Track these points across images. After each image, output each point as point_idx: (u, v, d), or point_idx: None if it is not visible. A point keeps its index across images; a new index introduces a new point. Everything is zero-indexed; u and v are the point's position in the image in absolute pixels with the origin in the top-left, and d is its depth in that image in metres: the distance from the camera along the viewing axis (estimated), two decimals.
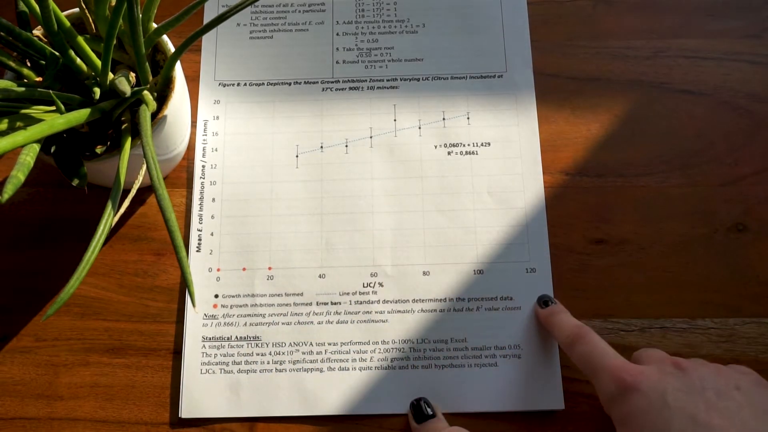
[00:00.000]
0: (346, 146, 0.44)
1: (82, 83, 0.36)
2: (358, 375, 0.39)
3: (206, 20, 0.46)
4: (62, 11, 0.35)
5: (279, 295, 0.41)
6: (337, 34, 0.47)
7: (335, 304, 0.41)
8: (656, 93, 0.45)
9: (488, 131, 0.44)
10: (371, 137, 0.44)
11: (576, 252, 0.42)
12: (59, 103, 0.32)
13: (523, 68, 0.45)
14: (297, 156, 0.44)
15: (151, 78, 0.36)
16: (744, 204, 0.42)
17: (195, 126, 0.44)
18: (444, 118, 0.44)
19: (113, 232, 0.42)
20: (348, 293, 0.41)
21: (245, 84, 0.45)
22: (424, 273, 0.41)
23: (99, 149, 0.36)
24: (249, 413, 0.39)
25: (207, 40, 0.46)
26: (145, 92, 0.34)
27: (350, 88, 0.45)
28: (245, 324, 0.40)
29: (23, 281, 0.41)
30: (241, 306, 0.41)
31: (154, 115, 0.36)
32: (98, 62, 0.35)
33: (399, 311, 0.41)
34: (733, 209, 0.42)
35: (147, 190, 0.43)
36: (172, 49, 0.38)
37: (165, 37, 0.38)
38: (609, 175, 0.43)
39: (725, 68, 0.45)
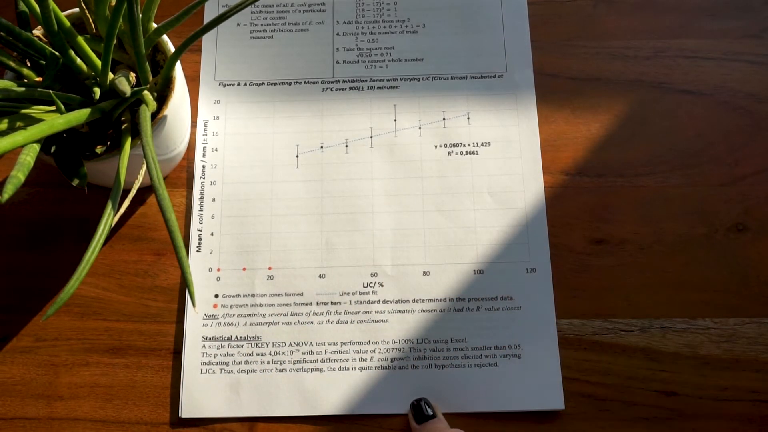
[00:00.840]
0: (346, 146, 0.44)
1: (82, 83, 0.36)
2: (358, 375, 0.39)
3: (206, 20, 0.46)
4: (62, 11, 0.35)
5: (279, 295, 0.41)
6: (338, 34, 0.47)
7: (335, 304, 0.41)
8: (656, 93, 0.45)
9: (488, 131, 0.44)
10: (371, 137, 0.44)
11: (576, 252, 0.42)
12: (59, 103, 0.32)
13: (523, 68, 0.45)
14: (297, 156, 0.44)
15: (151, 78, 0.36)
16: (744, 204, 0.42)
17: (195, 126, 0.44)
18: (444, 118, 0.44)
19: (113, 232, 0.42)
20: (348, 293, 0.41)
21: (245, 84, 0.45)
22: (424, 273, 0.41)
23: (99, 149, 0.36)
24: (249, 413, 0.39)
25: (207, 40, 0.46)
26: (145, 92, 0.34)
27: (350, 88, 0.45)
28: (245, 324, 0.40)
29: (23, 281, 0.41)
30: (241, 306, 0.41)
31: (154, 115, 0.36)
32: (98, 62, 0.35)
33: (399, 311, 0.41)
34: (733, 209, 0.42)
35: (147, 190, 0.43)
36: (172, 49, 0.38)
37: (165, 37, 0.38)
38: (609, 175, 0.43)
39: (725, 68, 0.45)
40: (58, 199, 0.43)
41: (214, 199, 0.43)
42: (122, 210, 0.33)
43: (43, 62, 0.35)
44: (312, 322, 0.40)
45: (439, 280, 0.41)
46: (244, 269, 0.41)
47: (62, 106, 0.32)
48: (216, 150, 0.44)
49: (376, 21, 0.47)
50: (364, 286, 0.41)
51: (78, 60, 0.35)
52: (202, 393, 0.39)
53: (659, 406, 0.39)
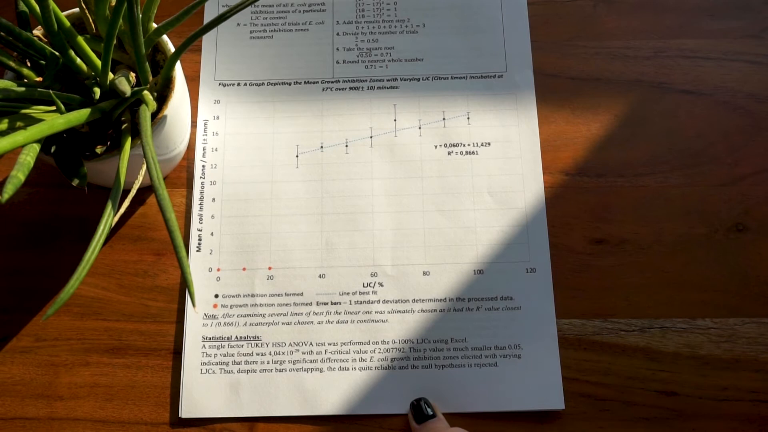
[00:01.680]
0: (346, 146, 0.44)
1: (82, 83, 0.36)
2: (358, 375, 0.39)
3: (206, 20, 0.46)
4: (62, 11, 0.35)
5: (279, 295, 0.41)
6: (337, 34, 0.47)
7: (335, 304, 0.41)
8: (656, 93, 0.45)
9: (488, 131, 0.44)
10: (371, 137, 0.44)
11: (576, 252, 0.42)
12: (59, 103, 0.32)
13: (523, 68, 0.45)
14: (297, 156, 0.44)
15: (151, 78, 0.36)
16: (744, 204, 0.42)
17: (195, 126, 0.44)
18: (444, 118, 0.44)
19: (113, 232, 0.42)
20: (348, 293, 0.41)
21: (245, 84, 0.45)
22: (424, 273, 0.41)
23: (99, 149, 0.36)
24: (249, 413, 0.39)
25: (207, 40, 0.46)
26: (145, 92, 0.34)
27: (350, 88, 0.45)
28: (245, 324, 0.40)
29: (23, 281, 0.41)
30: (241, 306, 0.41)
31: (154, 115, 0.36)
32: (98, 62, 0.35)
33: (399, 311, 0.41)
34: (733, 209, 0.42)
35: (147, 190, 0.43)
36: (172, 49, 0.38)
37: (165, 37, 0.38)
38: (609, 175, 0.43)
39: (725, 68, 0.45)
40: (58, 199, 0.43)
41: (214, 199, 0.43)
42: (122, 210, 0.33)
43: (43, 62, 0.35)
44: (312, 322, 0.40)
45: (439, 280, 0.41)
46: (244, 269, 0.41)
47: (62, 106, 0.32)
48: (216, 150, 0.44)
49: (376, 21, 0.47)
50: (364, 286, 0.41)
51: (78, 60, 0.35)
52: (202, 393, 0.39)
53: (659, 406, 0.39)
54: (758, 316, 0.40)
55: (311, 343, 0.40)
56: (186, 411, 0.39)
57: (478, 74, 0.45)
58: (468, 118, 0.44)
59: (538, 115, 0.44)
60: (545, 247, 0.41)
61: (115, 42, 0.33)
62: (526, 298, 0.41)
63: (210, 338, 0.40)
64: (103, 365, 0.40)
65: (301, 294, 0.41)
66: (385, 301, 0.41)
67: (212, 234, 0.42)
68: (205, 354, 0.40)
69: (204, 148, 0.44)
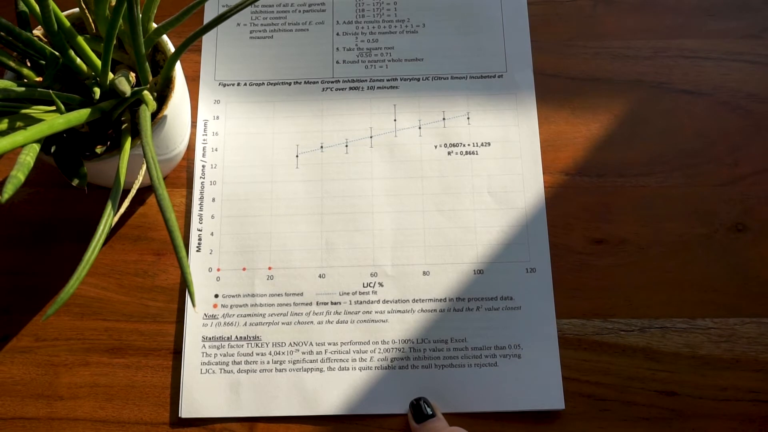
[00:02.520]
0: (346, 146, 0.44)
1: (82, 83, 0.36)
2: (358, 375, 0.39)
3: (206, 20, 0.46)
4: (62, 11, 0.35)
5: (279, 295, 0.41)
6: (337, 34, 0.47)
7: (335, 304, 0.41)
8: (656, 93, 0.45)
9: (488, 131, 0.44)
10: (371, 137, 0.44)
11: (576, 252, 0.42)
12: (59, 103, 0.32)
13: (523, 68, 0.45)
14: (297, 156, 0.44)
15: (151, 78, 0.36)
16: (744, 204, 0.42)
17: (195, 126, 0.44)
18: (444, 118, 0.44)
19: (113, 232, 0.42)
20: (348, 293, 0.41)
21: (245, 84, 0.45)
22: (424, 273, 0.41)
23: (99, 149, 0.36)
24: (249, 413, 0.39)
25: (207, 40, 0.46)
26: (145, 92, 0.34)
27: (350, 88, 0.45)
28: (245, 324, 0.40)
29: (23, 281, 0.41)
30: (241, 306, 0.41)
31: (154, 115, 0.36)
32: (98, 62, 0.35)
33: (399, 311, 0.41)
34: (733, 209, 0.42)
35: (147, 190, 0.43)
36: (172, 49, 0.38)
37: (165, 37, 0.38)
38: (609, 175, 0.43)
39: (725, 68, 0.45)
40: (58, 199, 0.43)
41: (214, 199, 0.43)
42: (122, 210, 0.33)
43: (43, 62, 0.35)
44: (312, 322, 0.40)
45: (438, 280, 0.41)
46: (244, 269, 0.41)
47: (62, 106, 0.32)
48: (216, 150, 0.44)
49: (376, 21, 0.47)
50: (364, 286, 0.41)
51: (78, 60, 0.35)
52: (202, 393, 0.39)
53: (659, 406, 0.39)
54: (758, 316, 0.40)
55: (311, 343, 0.40)
56: (186, 411, 0.39)
57: (478, 74, 0.45)
58: (468, 118, 0.44)
59: (538, 115, 0.44)
60: (545, 247, 0.41)
61: (115, 42, 0.33)
62: (526, 298, 0.41)
63: (210, 338, 0.40)
64: (103, 365, 0.40)
65: (301, 294, 0.41)
66: (385, 301, 0.41)
67: (212, 234, 0.42)
68: (205, 354, 0.40)
69: (204, 148, 0.44)
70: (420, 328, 0.40)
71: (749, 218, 0.42)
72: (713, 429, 0.38)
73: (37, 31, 0.37)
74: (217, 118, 0.44)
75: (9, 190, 0.27)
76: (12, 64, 0.35)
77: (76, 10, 0.37)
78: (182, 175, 0.44)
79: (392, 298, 0.41)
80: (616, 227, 0.42)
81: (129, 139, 0.35)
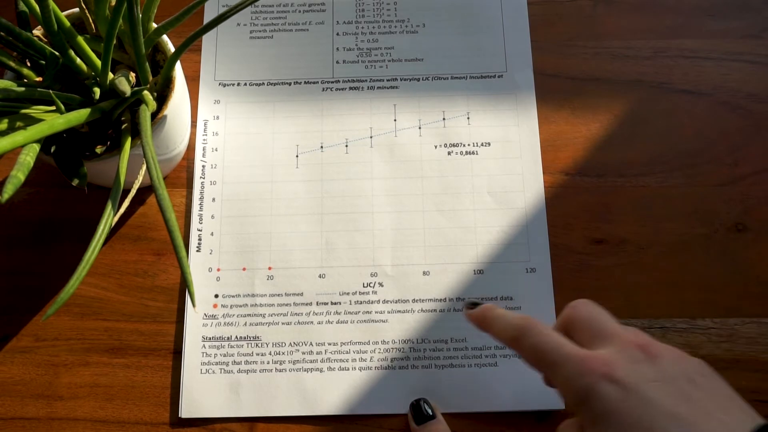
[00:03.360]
0: (346, 146, 0.44)
1: (82, 83, 0.36)
2: (358, 375, 0.39)
3: (206, 20, 0.46)
4: (62, 11, 0.35)
5: (279, 295, 0.41)
6: (337, 34, 0.47)
7: (335, 304, 0.41)
8: (656, 93, 0.45)
9: (488, 131, 0.44)
10: (371, 137, 0.44)
11: (576, 252, 0.42)
12: (59, 103, 0.32)
13: (523, 68, 0.45)
14: (297, 156, 0.44)
15: (151, 78, 0.36)
16: (744, 204, 0.42)
17: (195, 126, 0.44)
18: (444, 118, 0.44)
19: (113, 232, 0.42)
20: (348, 293, 0.41)
21: (245, 84, 0.45)
22: (424, 273, 0.41)
23: (99, 149, 0.36)
24: (249, 413, 0.39)
25: (207, 40, 0.46)
26: (145, 92, 0.34)
27: (350, 88, 0.45)
28: (245, 324, 0.40)
29: (23, 281, 0.41)
30: (241, 306, 0.41)
31: (154, 115, 0.36)
32: (98, 62, 0.35)
33: (399, 311, 0.41)
34: (733, 209, 0.42)
35: (147, 190, 0.43)
36: (172, 49, 0.38)
37: (165, 37, 0.38)
38: (609, 175, 0.43)
39: (725, 68, 0.45)
40: (58, 199, 0.43)
41: (214, 199, 0.43)
42: (122, 210, 0.33)
43: (43, 62, 0.35)
44: (312, 322, 0.40)
45: (439, 280, 0.41)
46: (244, 269, 0.41)
47: (62, 106, 0.32)
48: (216, 150, 0.44)
49: (376, 21, 0.47)
50: (364, 286, 0.41)
51: (78, 60, 0.35)
52: (202, 393, 0.39)
53: None
54: (758, 316, 0.40)
55: (311, 343, 0.40)
56: (186, 411, 0.39)
57: (478, 74, 0.45)
58: (468, 118, 0.44)
59: (538, 115, 0.44)
60: (545, 247, 0.41)
61: (115, 42, 0.33)
62: (526, 298, 0.41)
63: (210, 338, 0.40)
64: (103, 365, 0.40)
65: (301, 294, 0.41)
66: (385, 301, 0.41)
67: (212, 234, 0.42)
68: (205, 354, 0.40)
69: (204, 148, 0.44)
70: (420, 328, 0.40)
71: (749, 218, 0.42)
72: None
73: (37, 31, 0.37)
74: (217, 118, 0.44)
75: (9, 190, 0.27)
76: (12, 64, 0.35)
77: (76, 10, 0.37)
78: (182, 175, 0.44)
79: (392, 298, 0.41)
80: (616, 227, 0.42)
81: (129, 139, 0.35)
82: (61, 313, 0.41)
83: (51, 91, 0.32)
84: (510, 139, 0.44)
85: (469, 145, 0.44)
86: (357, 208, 0.42)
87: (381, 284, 0.41)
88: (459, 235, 0.42)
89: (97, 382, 0.40)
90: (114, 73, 0.37)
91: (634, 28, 0.46)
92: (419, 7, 0.47)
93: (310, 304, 0.41)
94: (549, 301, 0.40)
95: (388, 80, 0.45)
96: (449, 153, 0.44)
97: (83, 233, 0.42)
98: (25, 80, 0.35)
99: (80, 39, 0.34)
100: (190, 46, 0.34)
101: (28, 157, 0.29)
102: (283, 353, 0.40)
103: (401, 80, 0.45)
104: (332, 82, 0.45)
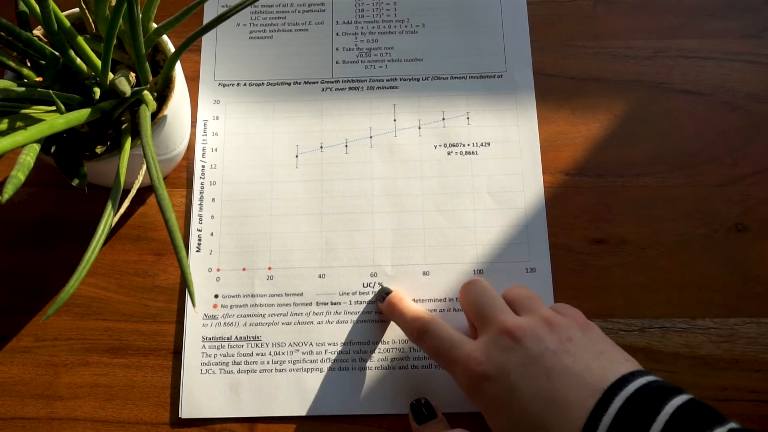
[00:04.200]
0: (346, 146, 0.44)
1: (82, 83, 0.36)
2: (358, 375, 0.39)
3: (206, 20, 0.46)
4: (62, 11, 0.35)
5: (279, 295, 0.41)
6: (337, 34, 0.47)
7: (335, 304, 0.41)
8: (656, 93, 0.45)
9: (488, 131, 0.44)
10: (371, 137, 0.44)
11: (576, 252, 0.42)
12: (59, 103, 0.32)
13: (523, 68, 0.45)
14: (297, 156, 0.44)
15: (151, 78, 0.36)
16: (744, 204, 0.42)
17: (195, 126, 0.44)
18: (444, 118, 0.44)
19: (113, 232, 0.42)
20: (348, 293, 0.41)
21: (245, 84, 0.45)
22: (424, 273, 0.41)
23: (99, 149, 0.36)
24: (249, 413, 0.39)
25: (207, 40, 0.46)
26: (145, 92, 0.34)
27: (350, 88, 0.45)
28: (245, 324, 0.40)
29: (23, 281, 0.41)
30: (241, 306, 0.41)
31: (154, 115, 0.36)
32: (98, 62, 0.35)
33: None
34: (733, 209, 0.42)
35: (147, 190, 0.43)
36: (172, 49, 0.38)
37: (165, 37, 0.38)
38: (609, 175, 0.43)
39: (725, 68, 0.45)
40: (58, 199, 0.43)
41: (213, 199, 0.43)
42: (122, 210, 0.33)
43: (43, 62, 0.35)
44: (312, 322, 0.40)
45: (438, 280, 0.41)
46: (243, 269, 0.41)
47: (62, 106, 0.32)
48: (216, 150, 0.44)
49: (376, 21, 0.47)
50: (364, 286, 0.41)
51: (78, 60, 0.35)
52: (202, 393, 0.39)
53: None
54: (758, 316, 0.40)
55: (311, 343, 0.40)
56: (186, 411, 0.39)
57: (478, 74, 0.45)
58: (468, 118, 0.44)
59: (537, 115, 0.44)
60: (545, 247, 0.41)
61: (115, 42, 0.33)
62: None
63: (210, 338, 0.40)
64: (103, 365, 0.40)
65: (301, 294, 0.41)
66: None
67: (212, 234, 0.42)
68: (205, 354, 0.40)
69: (204, 149, 0.44)
70: None
71: (749, 218, 0.42)
72: None
73: (37, 31, 0.37)
74: (217, 118, 0.44)
75: (9, 190, 0.27)
76: (12, 64, 0.35)
77: (76, 10, 0.37)
78: (182, 175, 0.44)
79: None
80: (616, 227, 0.42)
81: (129, 139, 0.35)
82: (61, 313, 0.41)
83: (51, 91, 0.32)
84: (510, 139, 0.44)
85: (468, 145, 0.44)
86: (357, 208, 0.42)
87: (381, 284, 0.41)
88: (459, 235, 0.42)
89: (97, 382, 0.40)
90: (114, 73, 0.37)
91: (634, 28, 0.46)
92: (419, 7, 0.47)
93: (310, 304, 0.41)
94: (549, 301, 0.40)
95: (387, 80, 0.45)
96: (449, 153, 0.44)
97: (83, 233, 0.42)
98: (25, 80, 0.35)
99: (80, 39, 0.34)
100: (190, 46, 0.34)
101: (28, 157, 0.29)
102: (283, 353, 0.40)
103: (401, 80, 0.45)
104: (332, 82, 0.45)
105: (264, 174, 0.43)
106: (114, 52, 0.35)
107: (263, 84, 0.45)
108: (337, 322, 0.40)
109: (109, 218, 0.31)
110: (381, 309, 0.40)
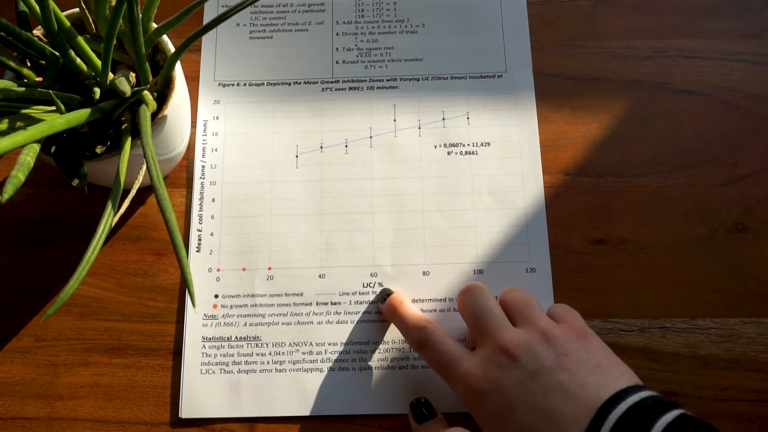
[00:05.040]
0: (346, 146, 0.44)
1: (82, 83, 0.36)
2: (358, 375, 0.39)
3: (206, 20, 0.46)
4: (62, 11, 0.35)
5: (279, 295, 0.41)
6: (337, 34, 0.47)
7: (335, 304, 0.41)
8: (656, 93, 0.45)
9: (488, 131, 0.44)
10: (371, 137, 0.44)
11: (576, 252, 0.42)
12: (59, 103, 0.32)
13: (523, 68, 0.45)
14: (297, 156, 0.44)
15: (151, 78, 0.36)
16: (744, 204, 0.42)
17: (195, 126, 0.44)
18: (444, 118, 0.44)
19: (113, 232, 0.42)
20: (348, 293, 0.41)
21: (245, 84, 0.45)
22: (424, 273, 0.41)
23: (99, 149, 0.36)
24: (249, 413, 0.39)
25: (207, 40, 0.46)
26: (145, 92, 0.34)
27: (350, 88, 0.45)
28: (245, 324, 0.40)
29: (23, 281, 0.41)
30: (241, 306, 0.41)
31: (154, 115, 0.36)
32: (98, 62, 0.35)
33: None
34: (733, 209, 0.42)
35: (147, 190, 0.43)
36: (172, 49, 0.38)
37: (165, 37, 0.38)
38: (609, 175, 0.43)
39: (725, 68, 0.45)
40: (58, 199, 0.43)
41: (213, 200, 0.43)
42: (122, 210, 0.33)
43: (43, 62, 0.35)
44: (312, 322, 0.40)
45: (439, 280, 0.41)
46: (243, 269, 0.41)
47: (62, 106, 0.32)
48: (216, 150, 0.44)
49: (376, 21, 0.47)
50: (364, 286, 0.41)
51: (78, 60, 0.35)
52: (202, 393, 0.39)
53: None
54: (758, 316, 0.40)
55: (311, 343, 0.40)
56: (186, 411, 0.39)
57: (478, 74, 0.45)
58: (467, 118, 0.44)
59: (537, 115, 0.44)
60: (545, 247, 0.41)
61: (115, 42, 0.33)
62: None
63: (210, 338, 0.40)
64: (103, 365, 0.40)
65: (301, 294, 0.41)
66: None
67: (212, 234, 0.42)
68: (205, 354, 0.40)
69: (204, 149, 0.44)
70: None
71: (749, 218, 0.42)
72: None
73: (37, 31, 0.37)
74: (217, 118, 0.44)
75: (9, 190, 0.27)
76: (12, 64, 0.35)
77: (76, 10, 0.37)
78: (182, 175, 0.44)
79: None
80: (616, 227, 0.42)
81: (129, 139, 0.35)
82: (61, 313, 0.41)
83: (51, 91, 0.32)
84: (510, 139, 0.44)
85: (468, 145, 0.44)
86: (357, 208, 0.42)
87: (381, 284, 0.41)
88: (459, 235, 0.42)
89: (97, 382, 0.40)
90: (114, 73, 0.37)
91: (634, 28, 0.46)
92: (419, 7, 0.47)
93: (310, 304, 0.41)
94: (549, 301, 0.40)
95: (387, 80, 0.45)
96: (449, 153, 0.44)
97: (83, 233, 0.42)
98: (25, 80, 0.35)
99: (80, 39, 0.34)
100: (190, 46, 0.34)
101: (28, 157, 0.29)
102: (283, 353, 0.40)
103: (401, 80, 0.45)
104: (332, 82, 0.45)
105: (264, 174, 0.43)
106: (114, 52, 0.35)
107: (263, 84, 0.45)
108: (337, 322, 0.40)
109: (109, 218, 0.31)
110: (381, 310, 0.40)
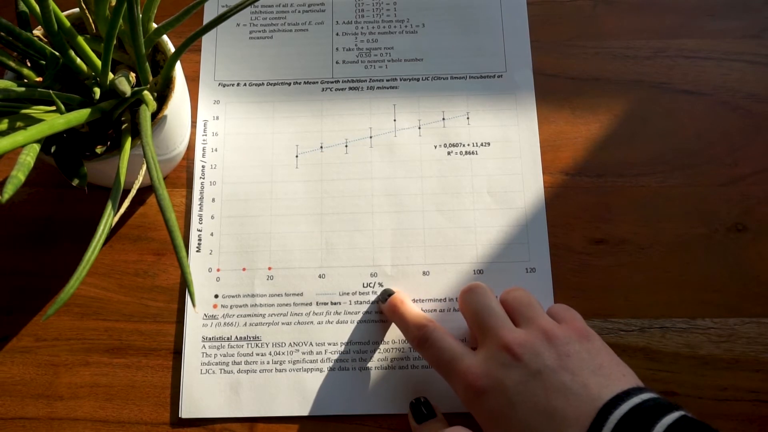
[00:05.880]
0: (346, 146, 0.44)
1: (82, 83, 0.36)
2: (358, 375, 0.39)
3: (206, 20, 0.46)
4: (62, 11, 0.35)
5: (279, 295, 0.41)
6: (337, 34, 0.47)
7: (335, 304, 0.41)
8: (656, 93, 0.45)
9: (488, 131, 0.44)
10: (371, 137, 0.44)
11: (576, 252, 0.42)
12: (59, 103, 0.32)
13: (523, 68, 0.45)
14: (297, 156, 0.44)
15: (151, 78, 0.36)
16: (744, 204, 0.42)
17: (195, 126, 0.44)
18: (444, 118, 0.44)
19: (113, 232, 0.42)
20: (348, 293, 0.41)
21: (245, 84, 0.45)
22: (424, 273, 0.41)
23: (99, 149, 0.36)
24: (249, 413, 0.39)
25: (207, 40, 0.46)
26: (145, 92, 0.34)
27: (350, 88, 0.45)
28: (245, 324, 0.40)
29: (23, 281, 0.41)
30: (241, 306, 0.41)
31: (154, 115, 0.36)
32: (98, 62, 0.35)
33: None
34: (733, 209, 0.42)
35: (147, 190, 0.43)
36: (172, 49, 0.38)
37: (165, 37, 0.38)
38: (609, 175, 0.43)
39: (725, 68, 0.45)
40: (58, 199, 0.43)
41: (213, 200, 0.43)
42: (122, 210, 0.33)
43: (43, 62, 0.35)
44: (312, 322, 0.40)
45: (438, 280, 0.41)
46: (243, 269, 0.41)
47: (62, 106, 0.32)
48: (216, 150, 0.44)
49: (376, 21, 0.47)
50: (364, 286, 0.41)
51: (78, 60, 0.35)
52: (202, 393, 0.39)
53: None
54: (758, 316, 0.40)
55: (311, 343, 0.40)
56: (186, 411, 0.39)
57: (478, 74, 0.45)
58: (467, 118, 0.44)
59: (537, 115, 0.44)
60: (545, 247, 0.41)
61: (115, 42, 0.33)
62: None
63: (210, 338, 0.40)
64: (103, 365, 0.40)
65: (301, 294, 0.41)
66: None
67: (212, 234, 0.42)
68: (205, 354, 0.40)
69: (204, 149, 0.44)
70: None
71: (749, 218, 0.42)
72: None
73: (37, 31, 0.37)
74: (217, 118, 0.44)
75: (9, 190, 0.27)
76: (12, 64, 0.35)
77: (76, 10, 0.37)
78: (182, 175, 0.44)
79: None
80: (616, 227, 0.42)
81: (129, 139, 0.35)
82: (61, 313, 0.41)
83: (51, 91, 0.32)
84: (510, 139, 0.44)
85: (468, 145, 0.44)
86: (357, 208, 0.42)
87: (381, 284, 0.41)
88: (459, 235, 0.42)
89: (97, 382, 0.40)
90: (114, 73, 0.37)
91: (634, 28, 0.46)
92: (419, 7, 0.47)
93: (310, 304, 0.41)
94: (549, 302, 0.40)
95: (387, 80, 0.45)
96: (449, 153, 0.44)
97: (83, 233, 0.42)
98: (25, 80, 0.35)
99: (80, 39, 0.34)
100: (190, 46, 0.34)
101: (29, 157, 0.29)
102: (283, 353, 0.40)
103: (401, 80, 0.45)
104: (332, 82, 0.45)
105: (264, 174, 0.43)
106: (114, 52, 0.35)
107: (263, 84, 0.45)
108: (337, 322, 0.40)
109: (109, 218, 0.31)
110: (382, 309, 0.40)
